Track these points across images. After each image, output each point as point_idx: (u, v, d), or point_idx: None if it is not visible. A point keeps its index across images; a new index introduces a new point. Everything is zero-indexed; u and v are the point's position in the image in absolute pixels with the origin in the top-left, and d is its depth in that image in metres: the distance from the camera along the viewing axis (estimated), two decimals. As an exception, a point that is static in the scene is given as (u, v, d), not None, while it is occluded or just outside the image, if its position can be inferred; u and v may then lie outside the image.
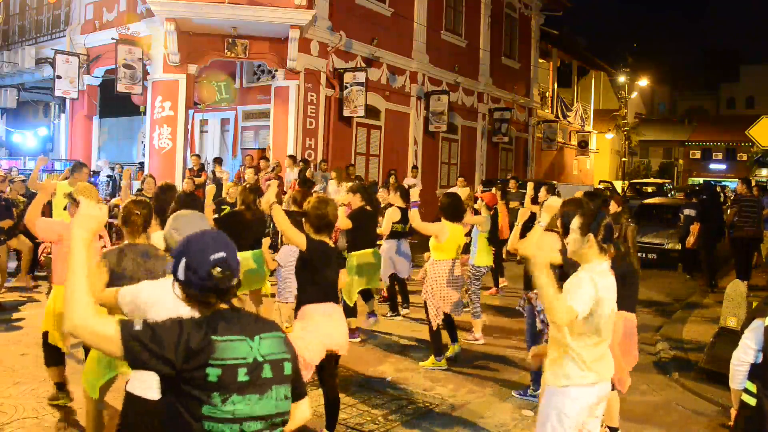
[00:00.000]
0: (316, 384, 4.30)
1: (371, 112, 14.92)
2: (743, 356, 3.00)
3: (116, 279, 3.30)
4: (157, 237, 4.09)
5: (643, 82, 37.10)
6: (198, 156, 12.89)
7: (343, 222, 6.66)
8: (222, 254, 1.85)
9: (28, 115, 20.48)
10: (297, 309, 4.10)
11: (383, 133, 15.86)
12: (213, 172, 12.17)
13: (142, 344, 1.71)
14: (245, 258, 5.71)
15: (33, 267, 8.88)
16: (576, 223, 2.97)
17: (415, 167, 15.56)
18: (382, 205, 7.98)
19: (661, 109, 56.54)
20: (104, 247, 4.57)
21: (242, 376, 1.78)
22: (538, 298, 2.91)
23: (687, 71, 63.36)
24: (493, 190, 9.04)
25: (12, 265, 9.12)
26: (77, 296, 1.72)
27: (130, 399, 2.78)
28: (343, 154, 14.37)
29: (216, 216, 6.35)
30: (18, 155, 17.12)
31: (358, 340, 6.71)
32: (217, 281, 1.83)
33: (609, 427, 4.38)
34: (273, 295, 6.44)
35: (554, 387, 3.01)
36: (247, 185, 6.73)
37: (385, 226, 7.11)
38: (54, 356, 4.62)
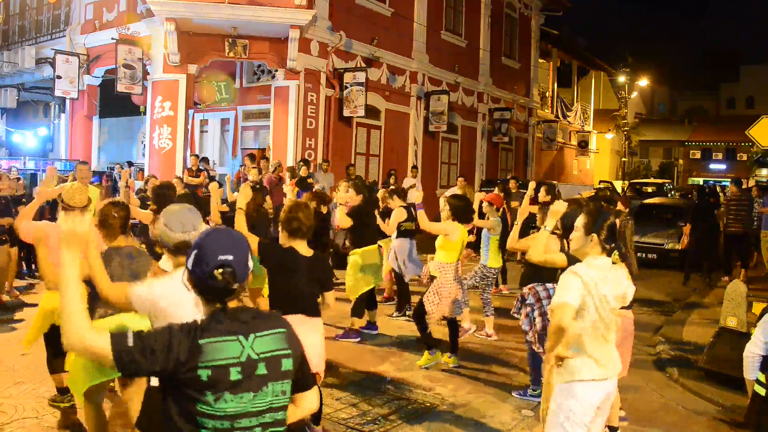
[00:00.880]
0: None
1: (371, 112, 14.92)
2: (754, 348, 3.21)
3: None
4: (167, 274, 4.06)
5: (643, 82, 37.08)
6: (197, 156, 12.90)
7: (343, 220, 6.68)
8: (229, 257, 1.87)
9: (28, 115, 20.48)
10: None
11: (383, 133, 15.86)
12: (206, 171, 12.18)
13: (132, 359, 1.76)
14: None
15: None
16: (580, 221, 3.01)
17: (415, 167, 15.56)
18: (381, 206, 7.99)
19: (661, 109, 56.54)
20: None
21: (235, 374, 1.81)
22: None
23: (687, 71, 63.45)
24: (496, 190, 9.05)
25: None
26: (72, 313, 1.76)
27: (149, 391, 2.79)
28: (343, 154, 14.37)
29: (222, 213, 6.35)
30: (18, 155, 17.12)
31: (358, 340, 6.73)
32: (217, 281, 1.85)
33: (609, 427, 4.38)
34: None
35: (561, 383, 3.03)
36: (254, 184, 6.73)
37: (391, 226, 7.16)
38: (54, 364, 4.61)
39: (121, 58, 12.38)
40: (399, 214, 7.28)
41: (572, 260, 3.32)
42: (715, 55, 65.07)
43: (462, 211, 5.90)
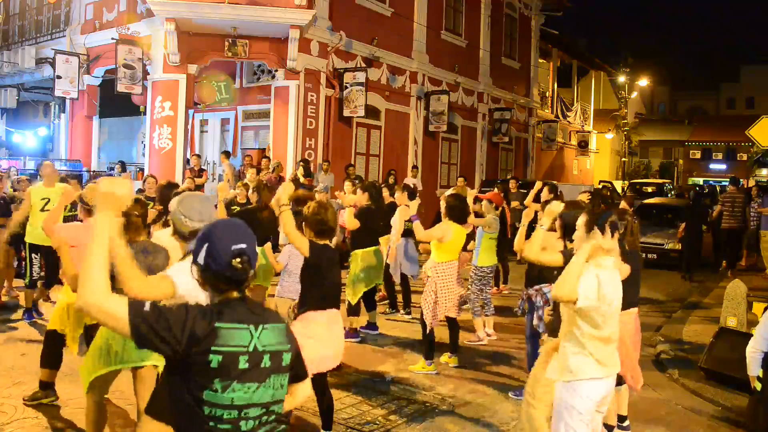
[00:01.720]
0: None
1: (371, 112, 14.91)
2: (757, 345, 3.29)
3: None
4: (160, 234, 4.08)
5: (643, 82, 37.07)
6: (198, 156, 12.89)
7: (351, 222, 6.67)
8: (243, 245, 1.91)
9: (28, 115, 20.49)
10: (299, 311, 4.10)
11: (383, 133, 15.85)
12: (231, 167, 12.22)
13: (149, 325, 1.75)
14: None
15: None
16: (581, 220, 3.03)
17: (415, 167, 15.56)
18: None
19: (661, 109, 56.55)
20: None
21: (242, 363, 1.83)
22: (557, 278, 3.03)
23: (687, 71, 63.49)
24: (496, 189, 9.05)
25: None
26: (93, 274, 1.74)
27: (161, 376, 2.80)
28: (343, 154, 14.37)
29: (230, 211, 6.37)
30: (18, 155, 17.12)
31: (358, 340, 6.72)
32: (236, 271, 1.89)
33: (605, 425, 4.39)
34: (271, 296, 6.44)
35: (562, 382, 3.05)
36: (266, 184, 6.72)
37: (398, 225, 7.15)
38: (52, 359, 4.62)
39: (121, 58, 12.38)
40: (405, 213, 7.29)
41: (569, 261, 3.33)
42: (715, 55, 65.16)
43: (457, 210, 5.88)
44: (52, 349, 4.58)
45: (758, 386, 3.17)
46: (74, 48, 14.41)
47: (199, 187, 11.19)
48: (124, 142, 17.36)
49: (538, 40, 23.80)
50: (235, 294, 1.93)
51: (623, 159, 35.55)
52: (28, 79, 17.01)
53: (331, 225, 4.04)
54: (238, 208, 7.57)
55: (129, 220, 3.60)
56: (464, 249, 6.40)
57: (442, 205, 6.02)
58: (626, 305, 4.32)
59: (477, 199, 7.48)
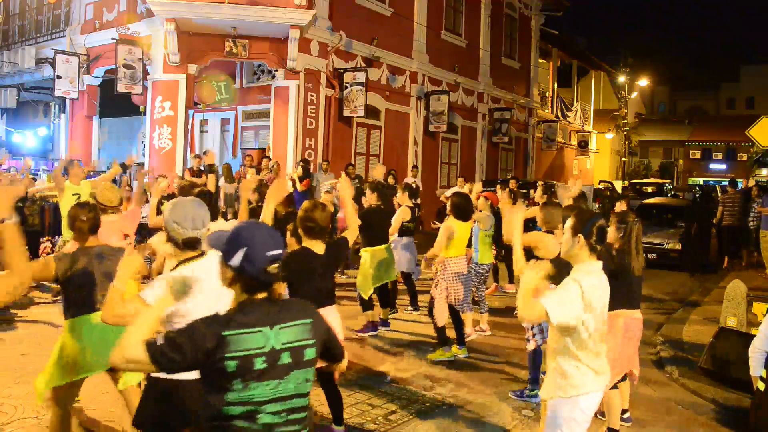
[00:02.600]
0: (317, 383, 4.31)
1: (371, 112, 14.92)
2: (759, 344, 3.24)
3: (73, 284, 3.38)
4: (154, 239, 4.06)
5: (643, 82, 37.03)
6: (199, 156, 12.87)
7: (352, 219, 6.64)
8: (278, 252, 2.03)
9: (28, 115, 20.49)
10: None
11: (383, 133, 15.86)
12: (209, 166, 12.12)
13: (167, 357, 1.89)
14: None
15: None
16: (568, 223, 2.98)
17: (415, 167, 15.56)
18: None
19: (661, 109, 56.53)
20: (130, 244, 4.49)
21: (260, 364, 1.93)
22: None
23: (687, 71, 63.46)
24: (498, 190, 9.04)
25: None
26: (135, 337, 1.93)
27: (152, 382, 2.76)
28: (343, 154, 14.37)
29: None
30: (18, 155, 17.11)
31: (375, 333, 6.84)
32: (270, 276, 2.00)
33: (609, 429, 4.39)
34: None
35: (561, 398, 2.96)
36: (266, 183, 6.71)
37: (395, 225, 7.18)
38: None
39: (121, 58, 12.38)
40: (404, 214, 7.36)
41: (560, 267, 3.31)
42: (715, 55, 65.16)
43: (461, 209, 6.11)
44: None
45: (761, 386, 3.13)
46: (74, 48, 14.41)
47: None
48: (124, 142, 17.35)
49: (538, 40, 23.81)
50: (261, 295, 2.03)
51: (623, 159, 35.54)
52: (28, 79, 17.01)
53: (320, 224, 4.00)
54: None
55: (74, 226, 3.54)
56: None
57: (448, 203, 6.26)
58: (629, 306, 4.34)
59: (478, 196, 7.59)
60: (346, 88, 13.88)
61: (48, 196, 9.55)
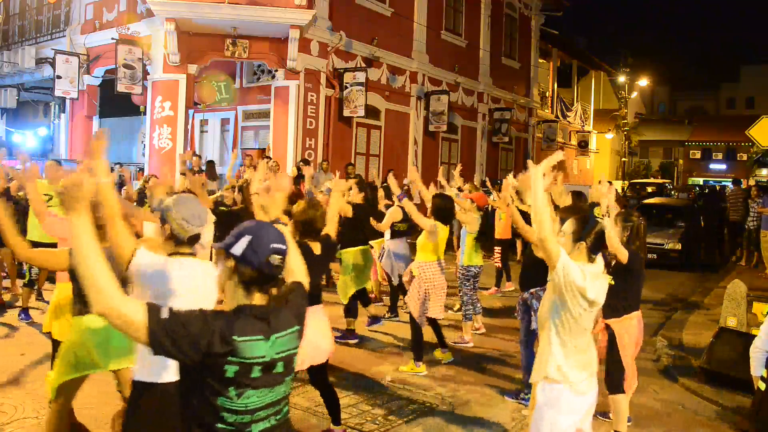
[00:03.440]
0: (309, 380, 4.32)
1: (371, 112, 14.91)
2: (759, 343, 3.24)
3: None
4: (149, 228, 4.07)
5: (643, 82, 37.04)
6: (199, 156, 12.87)
7: (344, 207, 6.52)
8: (283, 246, 1.98)
9: (28, 115, 20.48)
10: None
11: (383, 133, 15.85)
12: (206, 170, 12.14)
13: (168, 335, 1.73)
14: None
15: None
16: (569, 228, 2.98)
17: (415, 167, 15.53)
18: (380, 204, 7.98)
19: (661, 109, 56.53)
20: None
21: (256, 372, 1.88)
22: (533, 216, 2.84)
23: (687, 71, 63.47)
24: (497, 191, 8.99)
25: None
26: (101, 279, 1.71)
27: (139, 387, 2.74)
28: (343, 154, 14.36)
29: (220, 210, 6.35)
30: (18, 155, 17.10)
31: (356, 341, 6.70)
32: (271, 267, 1.94)
33: (600, 413, 4.40)
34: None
35: (543, 382, 2.98)
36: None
37: (385, 223, 7.06)
38: None
39: (121, 58, 12.37)
40: (395, 214, 7.12)
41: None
42: (715, 55, 65.17)
43: (442, 210, 5.91)
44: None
45: (762, 386, 3.12)
46: (74, 48, 14.40)
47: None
48: (124, 142, 17.35)
49: (538, 40, 23.80)
50: (259, 297, 1.95)
51: (623, 159, 35.53)
52: (28, 79, 17.00)
53: (317, 226, 4.03)
54: (226, 209, 7.50)
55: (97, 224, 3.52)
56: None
57: (429, 205, 6.05)
58: (629, 308, 4.34)
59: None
60: (346, 88, 13.88)
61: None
